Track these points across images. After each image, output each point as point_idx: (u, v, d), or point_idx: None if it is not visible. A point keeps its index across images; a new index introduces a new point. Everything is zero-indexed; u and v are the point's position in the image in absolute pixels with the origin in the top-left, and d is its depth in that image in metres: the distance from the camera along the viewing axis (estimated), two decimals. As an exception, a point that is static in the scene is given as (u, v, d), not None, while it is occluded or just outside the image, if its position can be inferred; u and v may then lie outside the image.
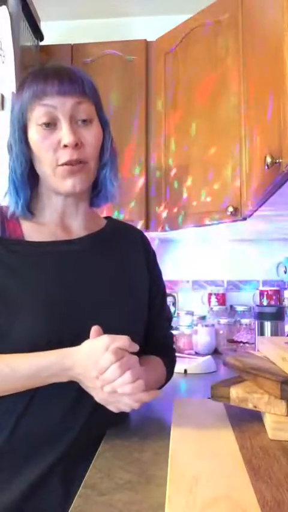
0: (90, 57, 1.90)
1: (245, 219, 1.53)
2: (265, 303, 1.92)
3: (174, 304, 2.14)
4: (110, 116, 0.90)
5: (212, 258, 2.15)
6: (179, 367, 1.42)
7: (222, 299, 2.07)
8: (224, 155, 1.61)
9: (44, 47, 1.89)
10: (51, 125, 0.80)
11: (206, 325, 1.82)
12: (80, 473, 0.66)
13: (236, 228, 1.76)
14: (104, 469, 0.66)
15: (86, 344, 0.73)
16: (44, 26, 1.87)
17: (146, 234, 1.03)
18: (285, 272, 2.02)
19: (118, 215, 1.79)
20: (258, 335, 1.56)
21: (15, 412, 0.77)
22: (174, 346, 1.04)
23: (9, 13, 1.50)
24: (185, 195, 1.75)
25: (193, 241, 2.15)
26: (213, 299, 2.07)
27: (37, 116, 0.80)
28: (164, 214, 1.83)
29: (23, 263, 0.81)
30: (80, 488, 0.61)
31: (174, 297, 2.15)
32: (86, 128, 0.82)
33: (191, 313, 2.02)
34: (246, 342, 1.76)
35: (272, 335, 1.52)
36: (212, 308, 2.05)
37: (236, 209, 1.54)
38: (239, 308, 2.04)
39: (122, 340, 0.70)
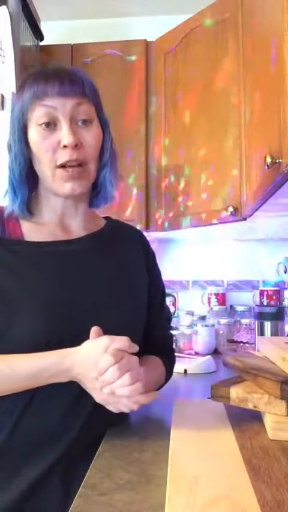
0: (90, 57, 1.90)
1: (245, 219, 1.53)
2: (265, 303, 1.91)
3: (174, 304, 2.14)
4: (110, 116, 0.90)
5: (212, 258, 2.15)
6: (179, 367, 1.42)
7: (222, 299, 2.07)
8: (224, 155, 1.61)
9: (44, 47, 1.90)
10: (51, 125, 0.80)
11: (206, 325, 1.82)
12: (80, 473, 0.66)
13: (236, 228, 1.76)
14: (104, 469, 0.66)
15: (85, 345, 0.73)
16: (44, 26, 1.87)
17: (145, 234, 1.03)
18: (285, 272, 2.02)
19: (118, 215, 1.79)
20: (258, 335, 1.56)
21: (15, 411, 0.77)
22: (173, 346, 1.04)
23: (9, 13, 1.50)
24: (184, 195, 1.75)
25: (193, 241, 2.15)
26: (213, 299, 2.07)
27: (37, 116, 0.80)
28: (164, 215, 1.83)
29: (22, 263, 0.81)
30: (80, 488, 0.61)
31: (174, 297, 2.15)
32: (86, 129, 0.82)
33: (191, 313, 2.02)
34: (246, 342, 1.76)
35: (272, 335, 1.52)
36: (212, 308, 2.05)
37: (236, 209, 1.54)
38: (239, 308, 2.04)
39: (122, 341, 0.70)
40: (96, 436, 0.78)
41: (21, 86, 0.83)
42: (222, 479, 0.59)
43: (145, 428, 0.84)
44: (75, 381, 0.74)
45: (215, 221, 1.63)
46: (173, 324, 1.84)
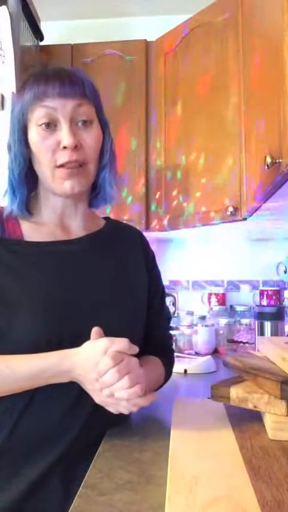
0: (90, 57, 1.90)
1: (245, 219, 1.53)
2: (265, 303, 1.91)
3: (174, 304, 2.14)
4: (110, 116, 0.90)
5: (212, 258, 2.15)
6: (179, 367, 1.43)
7: (222, 299, 2.07)
8: (224, 155, 1.61)
9: (44, 47, 1.89)
10: (51, 125, 0.80)
11: (206, 325, 1.82)
12: (80, 473, 0.66)
13: (236, 228, 1.76)
14: (104, 469, 0.66)
15: (85, 346, 0.73)
16: (44, 26, 1.87)
17: (146, 234, 1.03)
18: (285, 272, 2.02)
19: (118, 215, 1.79)
20: (258, 335, 1.56)
21: (15, 411, 0.77)
22: (173, 346, 1.04)
23: (9, 13, 1.50)
24: (184, 195, 1.75)
25: (193, 241, 2.15)
26: (213, 299, 2.07)
27: (37, 116, 0.80)
28: (164, 214, 1.83)
29: (22, 263, 0.81)
30: (80, 488, 0.61)
31: (174, 297, 2.15)
32: (86, 130, 0.82)
33: (191, 313, 2.02)
34: (246, 342, 1.76)
35: (272, 335, 1.52)
36: (212, 308, 2.05)
37: (236, 209, 1.54)
38: (239, 308, 2.04)
39: (122, 343, 0.70)
40: (96, 436, 0.78)
41: (21, 87, 0.83)
42: (222, 479, 0.59)
43: (145, 428, 0.84)
44: (76, 381, 0.74)
45: (214, 221, 1.63)
46: (173, 324, 1.85)
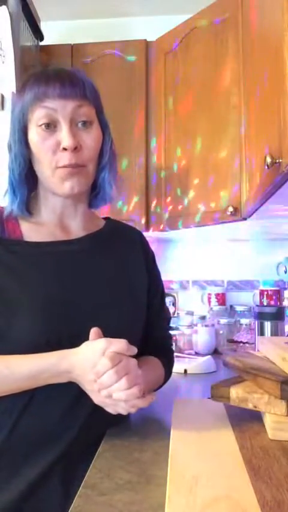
0: (90, 57, 1.90)
1: (245, 219, 1.53)
2: (265, 303, 1.92)
3: (174, 304, 2.14)
4: (110, 116, 0.90)
5: (212, 258, 2.15)
6: (179, 367, 1.43)
7: (222, 299, 2.07)
8: (224, 155, 1.61)
9: (44, 47, 1.89)
10: (51, 126, 0.80)
11: (206, 325, 1.82)
12: (80, 473, 0.66)
13: (236, 228, 1.76)
14: (104, 469, 0.66)
15: (84, 346, 0.73)
16: (44, 26, 1.87)
17: (146, 234, 1.04)
18: (285, 272, 2.02)
19: (118, 216, 1.79)
20: (258, 335, 1.56)
21: (15, 411, 0.77)
22: (172, 346, 1.04)
23: (9, 13, 1.50)
24: (185, 195, 1.75)
25: (193, 241, 2.15)
26: (213, 299, 2.07)
27: (37, 117, 0.80)
28: (164, 215, 1.83)
29: (22, 263, 0.81)
30: (80, 488, 0.61)
31: (174, 297, 2.15)
32: (85, 131, 0.82)
33: (191, 313, 2.02)
34: (246, 342, 1.76)
35: (272, 335, 1.52)
36: (212, 308, 2.05)
37: (236, 209, 1.54)
38: (239, 308, 2.04)
39: (120, 344, 0.70)
40: (96, 436, 0.78)
41: (22, 87, 0.83)
42: (222, 479, 0.59)
43: (145, 428, 0.84)
44: (75, 381, 0.74)
45: (215, 221, 1.63)
46: (173, 324, 1.85)
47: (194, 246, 2.16)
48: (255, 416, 0.80)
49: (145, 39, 1.91)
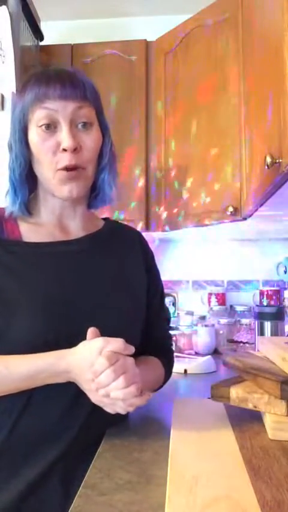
0: (90, 57, 1.90)
1: (245, 219, 1.53)
2: (265, 303, 1.92)
3: (174, 304, 2.14)
4: (110, 116, 0.90)
5: (212, 258, 2.15)
6: (179, 367, 1.43)
7: (222, 299, 2.07)
8: (224, 155, 1.61)
9: (44, 47, 1.89)
10: (51, 127, 0.80)
11: (206, 325, 1.82)
12: (80, 473, 0.66)
13: (236, 228, 1.76)
14: (104, 469, 0.66)
15: (81, 346, 0.73)
16: (44, 26, 1.87)
17: (146, 234, 1.04)
18: (285, 272, 2.02)
19: (118, 216, 1.79)
20: (258, 335, 1.56)
21: (14, 411, 0.77)
22: (172, 346, 1.04)
23: (9, 13, 1.50)
24: (185, 195, 1.75)
25: (193, 241, 2.15)
26: (213, 299, 2.07)
27: (38, 118, 0.80)
28: (164, 215, 1.83)
29: (21, 264, 0.81)
30: (80, 488, 0.61)
31: (174, 297, 2.15)
32: (85, 132, 0.82)
33: (191, 313, 2.02)
34: (246, 342, 1.76)
35: (272, 335, 1.52)
36: (212, 308, 2.05)
37: (236, 209, 1.54)
38: (239, 308, 2.04)
39: (117, 344, 0.70)
40: (96, 436, 0.78)
41: (22, 87, 0.84)
42: (222, 479, 0.59)
43: (145, 428, 0.83)
44: (73, 381, 0.74)
45: (215, 221, 1.63)
46: (173, 324, 1.85)
47: (194, 246, 2.16)
48: (255, 416, 0.80)
49: (145, 39, 1.91)
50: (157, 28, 1.93)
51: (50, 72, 0.82)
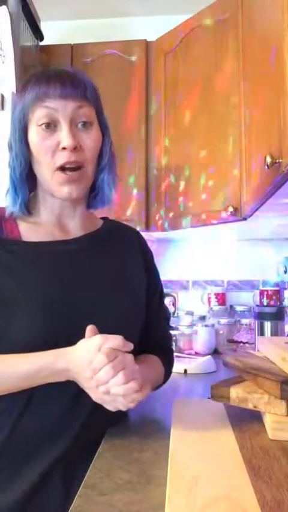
0: (90, 57, 1.90)
1: (245, 219, 1.53)
2: (265, 303, 1.91)
3: (174, 304, 2.14)
4: (110, 116, 0.90)
5: (212, 258, 2.15)
6: (179, 367, 1.43)
7: (222, 299, 2.07)
8: (224, 155, 1.61)
9: (44, 47, 1.89)
10: (51, 126, 0.80)
11: (206, 325, 1.82)
12: (80, 472, 0.66)
13: (236, 228, 1.76)
14: (104, 469, 0.66)
15: (80, 344, 0.73)
16: (44, 26, 1.87)
17: (146, 234, 1.04)
18: (285, 272, 2.02)
19: (118, 215, 1.79)
20: (258, 335, 1.56)
21: (15, 411, 0.77)
22: (172, 346, 1.04)
23: (9, 13, 1.50)
24: (185, 195, 1.75)
25: (193, 241, 2.15)
26: (213, 299, 2.07)
27: (38, 117, 0.80)
28: (164, 215, 1.83)
29: (20, 263, 0.81)
30: (80, 488, 0.61)
31: (174, 297, 2.15)
32: (85, 132, 0.82)
33: (191, 313, 2.02)
34: (246, 342, 1.76)
35: (272, 335, 1.52)
36: (212, 308, 2.05)
37: (236, 209, 1.54)
38: (239, 308, 2.04)
39: (116, 340, 0.70)
40: (97, 435, 0.78)
41: (23, 87, 0.84)
42: (222, 479, 0.59)
43: (145, 428, 0.84)
44: (73, 380, 0.74)
45: (215, 221, 1.63)
46: (173, 324, 1.85)
47: (194, 246, 2.16)
48: (255, 416, 0.80)
49: (145, 39, 1.91)
50: (157, 28, 1.93)
51: (50, 72, 0.83)
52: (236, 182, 1.56)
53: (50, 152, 0.80)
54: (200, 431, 0.76)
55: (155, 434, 0.79)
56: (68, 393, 0.77)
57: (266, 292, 1.94)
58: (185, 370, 1.45)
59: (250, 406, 0.77)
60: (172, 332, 1.62)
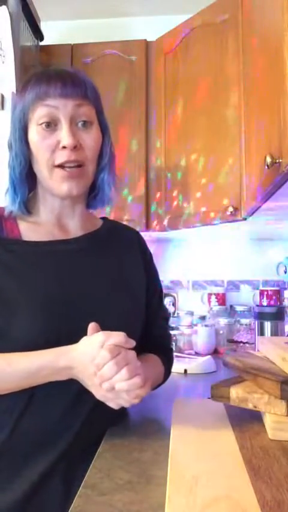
0: (90, 57, 1.90)
1: (245, 219, 1.53)
2: (265, 303, 1.92)
3: (174, 304, 2.14)
4: (110, 116, 0.90)
5: (212, 258, 2.15)
6: (179, 367, 1.43)
7: (222, 299, 2.07)
8: (224, 155, 1.61)
9: (44, 47, 1.89)
10: (51, 125, 0.80)
11: (206, 325, 1.82)
12: (80, 472, 0.66)
13: (236, 228, 1.76)
14: (104, 469, 0.66)
15: (82, 341, 0.73)
16: (44, 26, 1.87)
17: (146, 234, 1.04)
18: (285, 272, 2.02)
19: (119, 215, 1.79)
20: (258, 335, 1.56)
21: (16, 410, 0.77)
22: (172, 345, 1.04)
23: (9, 13, 1.50)
24: (184, 195, 1.75)
25: (193, 241, 2.15)
26: (213, 299, 2.07)
27: (38, 116, 0.80)
28: (164, 214, 1.83)
29: (20, 263, 0.81)
30: (80, 488, 0.61)
31: (174, 297, 2.15)
32: (85, 131, 0.82)
33: (191, 313, 2.02)
34: (246, 342, 1.76)
35: (272, 335, 1.52)
36: (212, 308, 2.05)
37: (236, 209, 1.54)
38: (239, 308, 2.04)
39: (118, 337, 0.70)
40: (97, 435, 0.78)
41: (23, 86, 0.84)
42: (222, 479, 0.59)
43: (145, 428, 0.84)
44: (75, 378, 0.74)
45: (215, 221, 1.63)
46: (173, 324, 1.85)
47: (193, 246, 2.16)
48: (255, 416, 0.80)
49: (145, 39, 1.91)
50: (157, 28, 1.94)
51: (50, 71, 0.83)
52: (236, 182, 1.56)
53: (49, 151, 0.80)
54: (200, 431, 0.76)
55: (155, 434, 0.79)
56: (69, 392, 0.77)
57: (266, 292, 1.94)
58: (185, 370, 1.45)
59: (250, 406, 0.77)
60: (172, 332, 1.62)
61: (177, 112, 1.80)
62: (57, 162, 0.80)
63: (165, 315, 1.02)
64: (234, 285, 2.16)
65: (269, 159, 0.96)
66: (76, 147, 0.80)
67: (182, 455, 0.67)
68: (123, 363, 0.68)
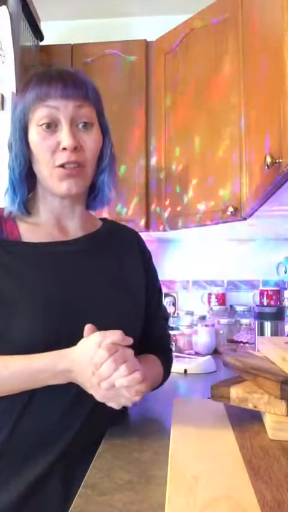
0: (90, 57, 1.90)
1: (245, 219, 1.53)
2: (265, 303, 1.91)
3: (174, 304, 2.14)
4: (110, 116, 0.90)
5: (212, 258, 2.15)
6: (179, 367, 1.42)
7: (222, 299, 2.07)
8: (224, 155, 1.61)
9: (44, 47, 1.89)
10: (51, 126, 0.80)
11: (206, 325, 1.82)
12: (80, 473, 0.66)
13: (236, 228, 1.76)
14: (104, 469, 0.66)
15: (80, 343, 0.73)
16: (44, 26, 1.87)
17: (146, 234, 1.04)
18: (285, 272, 2.02)
19: (119, 215, 1.79)
20: (258, 335, 1.56)
21: (15, 411, 0.77)
22: (171, 345, 1.04)
23: (9, 13, 1.50)
24: (185, 195, 1.75)
25: (193, 241, 2.15)
26: (213, 299, 2.07)
27: (39, 116, 0.80)
28: (165, 214, 1.83)
29: (20, 264, 0.81)
30: (80, 488, 0.61)
31: (174, 297, 2.15)
32: (86, 132, 0.82)
33: (191, 313, 2.02)
34: (246, 342, 1.76)
35: (272, 335, 1.52)
36: (212, 308, 2.05)
37: (236, 209, 1.54)
38: (239, 308, 2.04)
39: (115, 336, 0.70)
40: (97, 435, 0.78)
41: (24, 87, 0.84)
42: (222, 479, 0.59)
43: (145, 428, 0.84)
44: (74, 382, 0.74)
45: (215, 221, 1.63)
46: (173, 324, 1.85)
47: (194, 246, 2.16)
48: (255, 416, 0.80)
49: (145, 39, 1.91)
50: (157, 28, 1.93)
51: (51, 72, 0.83)
52: (236, 182, 1.56)
53: (50, 152, 0.80)
54: (200, 431, 0.76)
55: (155, 434, 0.79)
56: (69, 393, 0.77)
57: (266, 292, 1.94)
58: (185, 370, 1.45)
59: (250, 406, 0.77)
60: (172, 332, 1.62)
61: (177, 112, 1.80)
62: (58, 163, 0.80)
63: (164, 315, 1.02)
64: (234, 285, 2.16)
65: (269, 159, 0.96)
66: (76, 149, 0.80)
67: (182, 455, 0.67)
68: (121, 360, 0.68)
